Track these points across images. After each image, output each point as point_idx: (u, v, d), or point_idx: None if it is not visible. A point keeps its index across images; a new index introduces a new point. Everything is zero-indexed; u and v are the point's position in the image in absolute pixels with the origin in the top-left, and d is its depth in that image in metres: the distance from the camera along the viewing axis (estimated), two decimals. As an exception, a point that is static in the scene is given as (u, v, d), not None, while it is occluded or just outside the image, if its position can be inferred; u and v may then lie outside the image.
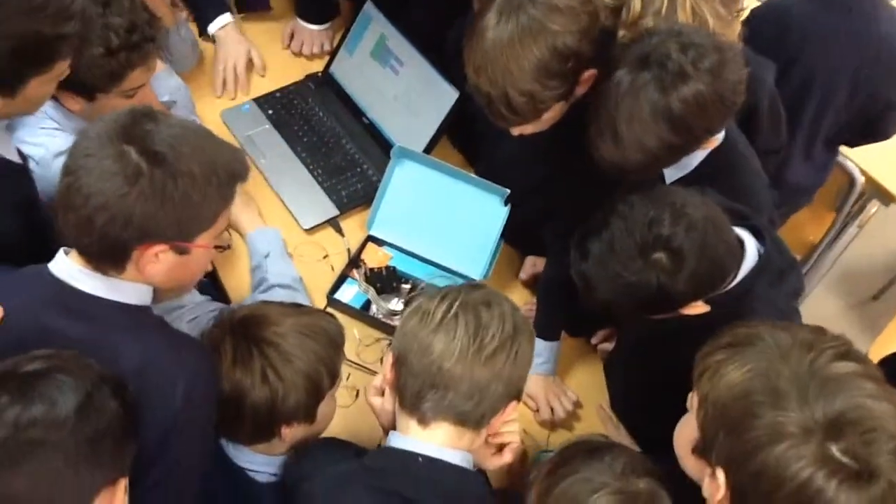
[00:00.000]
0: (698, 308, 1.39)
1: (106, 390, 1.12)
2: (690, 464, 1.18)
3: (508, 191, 1.92)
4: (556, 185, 1.80)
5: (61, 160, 1.26)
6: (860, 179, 2.50)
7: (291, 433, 1.44)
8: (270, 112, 2.28)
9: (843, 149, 2.47)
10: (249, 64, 2.34)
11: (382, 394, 1.41)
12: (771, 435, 1.01)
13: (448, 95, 2.05)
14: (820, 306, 3.11)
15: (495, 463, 1.41)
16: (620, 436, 1.76)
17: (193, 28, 2.33)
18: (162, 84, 2.00)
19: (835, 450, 0.98)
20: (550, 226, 1.86)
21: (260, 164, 2.15)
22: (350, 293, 1.96)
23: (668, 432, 1.25)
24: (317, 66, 2.40)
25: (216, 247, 1.35)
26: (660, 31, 1.44)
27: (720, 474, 1.08)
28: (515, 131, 1.55)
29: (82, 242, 1.25)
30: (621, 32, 1.56)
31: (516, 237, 2.05)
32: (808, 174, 2.39)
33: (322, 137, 2.24)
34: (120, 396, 1.14)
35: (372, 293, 1.94)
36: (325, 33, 2.43)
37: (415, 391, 1.27)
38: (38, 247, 1.40)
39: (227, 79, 2.29)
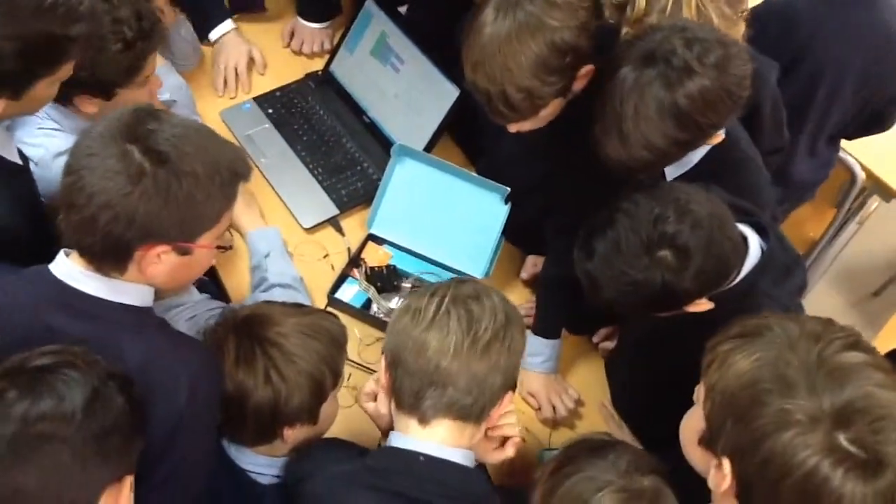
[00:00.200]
0: (703, 305, 1.39)
1: (113, 386, 1.13)
2: (696, 455, 1.18)
3: (509, 189, 1.92)
4: (556, 181, 1.80)
5: (61, 160, 1.26)
6: (861, 175, 2.49)
7: (294, 434, 1.44)
8: (270, 111, 2.27)
9: (845, 144, 2.46)
10: (250, 63, 2.33)
11: (375, 398, 1.41)
12: (778, 423, 1.01)
13: (449, 93, 2.05)
14: (820, 303, 3.09)
15: (497, 457, 1.41)
16: (622, 434, 1.77)
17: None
18: (162, 82, 1.98)
19: (842, 438, 0.98)
20: (551, 223, 1.86)
21: (260, 164, 2.15)
22: (350, 292, 1.96)
23: (671, 429, 1.25)
24: (317, 64, 2.39)
25: (218, 247, 1.35)
26: (664, 26, 1.43)
27: (726, 464, 1.08)
28: (513, 128, 1.54)
29: (84, 242, 1.24)
30: (625, 30, 1.55)
31: (517, 236, 2.05)
32: (811, 170, 2.39)
33: (322, 136, 2.24)
34: (127, 392, 1.14)
35: (372, 292, 1.93)
36: (325, 32, 2.42)
37: (413, 391, 1.27)
38: (40, 247, 1.39)
39: (228, 78, 2.29)
